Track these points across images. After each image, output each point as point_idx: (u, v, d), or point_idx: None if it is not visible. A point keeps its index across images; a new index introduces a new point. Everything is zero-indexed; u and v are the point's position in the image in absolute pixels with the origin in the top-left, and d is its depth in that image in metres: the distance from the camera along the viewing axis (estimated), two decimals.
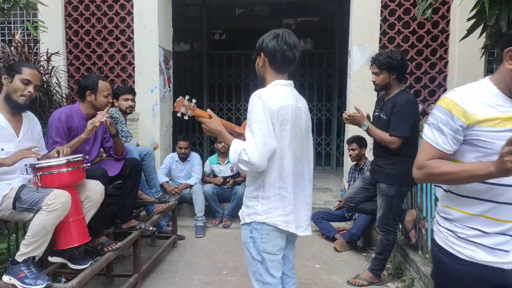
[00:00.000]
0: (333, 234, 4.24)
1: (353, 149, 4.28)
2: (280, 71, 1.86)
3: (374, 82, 3.07)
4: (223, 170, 5.02)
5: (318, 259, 3.81)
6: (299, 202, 1.89)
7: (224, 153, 5.01)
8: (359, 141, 4.28)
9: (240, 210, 1.94)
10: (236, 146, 1.73)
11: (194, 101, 1.86)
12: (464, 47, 4.35)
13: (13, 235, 3.14)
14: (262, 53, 1.84)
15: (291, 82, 1.90)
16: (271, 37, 1.82)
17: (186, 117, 1.87)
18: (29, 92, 2.40)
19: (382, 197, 3.07)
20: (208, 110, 1.90)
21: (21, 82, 2.38)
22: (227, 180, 4.91)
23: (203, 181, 5.04)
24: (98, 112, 2.90)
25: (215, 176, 5.10)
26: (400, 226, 3.58)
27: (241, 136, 1.93)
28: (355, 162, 4.38)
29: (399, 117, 2.88)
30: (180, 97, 1.84)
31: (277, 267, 1.88)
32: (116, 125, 3.71)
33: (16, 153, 2.31)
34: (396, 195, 3.01)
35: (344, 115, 3.04)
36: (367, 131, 2.99)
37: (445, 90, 4.77)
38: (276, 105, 1.75)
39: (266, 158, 1.71)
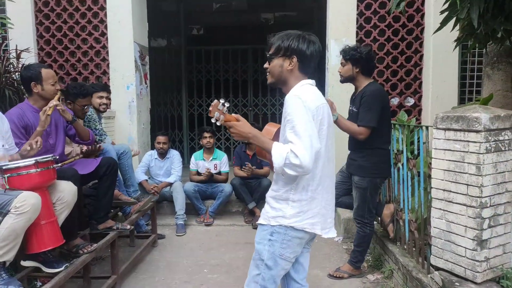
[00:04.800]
0: None
1: None
2: (306, 74, 1.83)
3: (339, 73, 3.16)
4: (207, 167, 4.96)
5: None
6: (326, 203, 1.84)
7: (210, 149, 4.95)
8: None
9: (263, 209, 1.86)
10: (280, 150, 1.63)
11: (227, 105, 1.75)
12: (439, 40, 4.41)
13: None
14: (294, 56, 1.77)
15: (314, 81, 1.87)
16: (305, 42, 1.78)
17: (218, 123, 1.74)
18: None
19: (356, 189, 3.11)
20: (234, 114, 1.81)
21: None
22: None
23: (192, 180, 4.93)
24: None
25: (198, 173, 5.02)
26: (379, 219, 3.62)
27: None
28: None
29: (365, 107, 2.95)
30: (215, 101, 1.72)
31: (281, 276, 1.86)
32: (89, 124, 3.61)
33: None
34: (369, 187, 3.05)
35: None
36: (336, 121, 3.00)
37: (420, 83, 4.84)
38: (315, 104, 1.72)
39: (313, 160, 1.64)
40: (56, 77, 2.89)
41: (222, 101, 1.71)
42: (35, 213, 2.20)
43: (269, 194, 1.85)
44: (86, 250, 2.74)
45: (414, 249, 2.93)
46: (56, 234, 2.43)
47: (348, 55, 3.05)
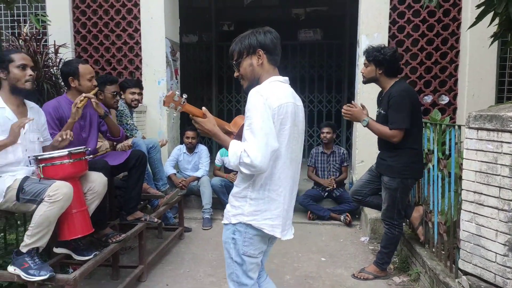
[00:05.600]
0: (328, 213, 4.65)
1: (327, 133, 4.85)
2: (275, 65, 1.83)
3: (362, 74, 3.09)
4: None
5: (324, 252, 3.79)
6: (287, 205, 1.82)
7: None
8: (333, 126, 4.95)
9: (225, 209, 1.86)
10: (235, 148, 1.65)
11: (185, 96, 1.77)
12: (476, 35, 4.24)
13: (22, 227, 3.20)
14: (259, 50, 1.77)
15: (287, 78, 1.85)
16: (262, 33, 1.78)
17: (174, 114, 1.79)
18: (30, 75, 2.42)
19: (386, 190, 3.03)
20: (204, 108, 1.80)
21: (18, 68, 2.38)
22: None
23: (215, 175, 5.01)
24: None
25: (225, 168, 5.07)
26: (408, 221, 3.53)
27: (231, 134, 1.88)
28: (323, 145, 4.98)
29: (395, 109, 2.87)
30: (170, 92, 1.75)
31: (255, 269, 1.85)
32: (121, 118, 3.72)
33: (12, 129, 2.28)
34: (400, 188, 2.97)
35: (343, 110, 3.01)
36: (368, 126, 2.95)
37: (456, 81, 4.66)
38: (277, 102, 1.68)
39: (268, 159, 1.63)
40: (93, 72, 2.99)
41: (177, 92, 1.73)
42: (67, 201, 2.29)
43: (231, 192, 1.85)
44: (114, 240, 2.83)
45: (442, 252, 2.84)
46: (87, 223, 2.52)
47: (371, 56, 2.97)
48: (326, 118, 7.23)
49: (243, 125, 1.79)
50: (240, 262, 1.80)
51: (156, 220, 3.37)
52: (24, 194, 2.28)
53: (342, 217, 4.57)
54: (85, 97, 2.72)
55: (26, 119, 2.35)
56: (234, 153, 1.64)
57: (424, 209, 3.19)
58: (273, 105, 1.66)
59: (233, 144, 1.68)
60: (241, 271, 1.80)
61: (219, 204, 4.88)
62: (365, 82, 3.14)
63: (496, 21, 2.79)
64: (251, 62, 1.78)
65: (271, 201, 1.76)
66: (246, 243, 1.77)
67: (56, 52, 4.75)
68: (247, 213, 1.75)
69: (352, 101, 3.11)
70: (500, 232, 2.11)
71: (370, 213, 4.13)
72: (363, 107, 3.09)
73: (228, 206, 1.84)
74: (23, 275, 2.23)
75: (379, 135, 3.01)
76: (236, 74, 1.86)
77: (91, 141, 3.02)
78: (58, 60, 4.76)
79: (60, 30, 5.10)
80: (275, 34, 1.81)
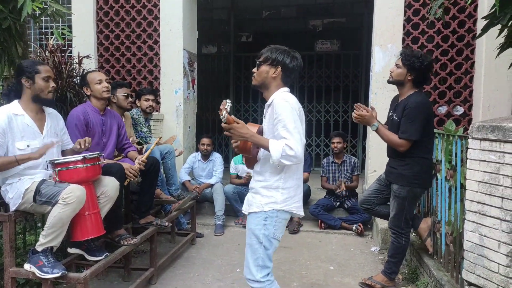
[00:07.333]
0: (339, 223, 4.65)
1: (338, 142, 4.90)
2: (285, 84, 2.16)
3: (391, 73, 3.05)
4: (247, 170, 5.08)
5: (333, 261, 3.79)
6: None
7: None
8: (343, 136, 5.03)
9: (254, 200, 2.12)
10: (277, 145, 1.94)
11: (230, 105, 1.98)
12: (492, 46, 4.17)
13: (41, 229, 3.36)
14: (279, 66, 2.09)
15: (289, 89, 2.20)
16: (289, 56, 2.10)
17: (224, 120, 1.95)
18: (52, 87, 2.60)
19: (394, 198, 3.04)
20: (232, 116, 2.01)
21: (43, 80, 2.55)
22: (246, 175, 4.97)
23: (232, 183, 5.10)
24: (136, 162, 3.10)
25: (238, 176, 5.16)
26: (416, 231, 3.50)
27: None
28: (334, 155, 5.01)
29: (408, 119, 2.86)
30: (224, 101, 1.93)
31: (272, 254, 2.14)
32: (136, 126, 3.87)
33: (42, 147, 2.50)
34: (408, 196, 2.97)
35: (353, 114, 3.03)
36: (377, 131, 2.97)
37: (471, 92, 4.61)
38: (297, 106, 2.06)
39: (303, 151, 1.98)
40: (101, 76, 3.16)
41: (228, 101, 1.93)
42: (79, 204, 2.42)
43: (258, 185, 2.13)
44: (127, 242, 2.94)
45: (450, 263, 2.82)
46: (98, 225, 2.64)
47: (407, 60, 2.91)
48: (342, 128, 7.23)
49: (256, 130, 2.08)
50: (267, 246, 2.08)
51: (167, 224, 3.48)
52: (40, 196, 2.42)
53: (354, 227, 4.56)
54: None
55: (55, 143, 2.58)
56: (276, 149, 1.93)
57: (432, 220, 3.17)
58: (296, 108, 2.03)
59: (273, 142, 1.96)
60: (265, 255, 2.09)
61: (231, 211, 4.96)
62: (389, 82, 3.08)
63: (505, 32, 2.79)
64: (268, 71, 2.11)
65: (298, 187, 2.14)
66: (276, 227, 2.08)
67: (80, 62, 4.98)
68: (280, 201, 2.08)
69: (358, 103, 3.07)
70: (503, 242, 2.10)
71: (381, 223, 4.11)
72: (372, 109, 3.10)
73: (257, 197, 2.11)
74: (37, 272, 2.37)
75: (386, 141, 3.01)
76: (254, 70, 2.17)
77: (109, 145, 3.20)
78: (81, 70, 4.99)
79: (84, 42, 5.35)
80: (299, 63, 2.14)
